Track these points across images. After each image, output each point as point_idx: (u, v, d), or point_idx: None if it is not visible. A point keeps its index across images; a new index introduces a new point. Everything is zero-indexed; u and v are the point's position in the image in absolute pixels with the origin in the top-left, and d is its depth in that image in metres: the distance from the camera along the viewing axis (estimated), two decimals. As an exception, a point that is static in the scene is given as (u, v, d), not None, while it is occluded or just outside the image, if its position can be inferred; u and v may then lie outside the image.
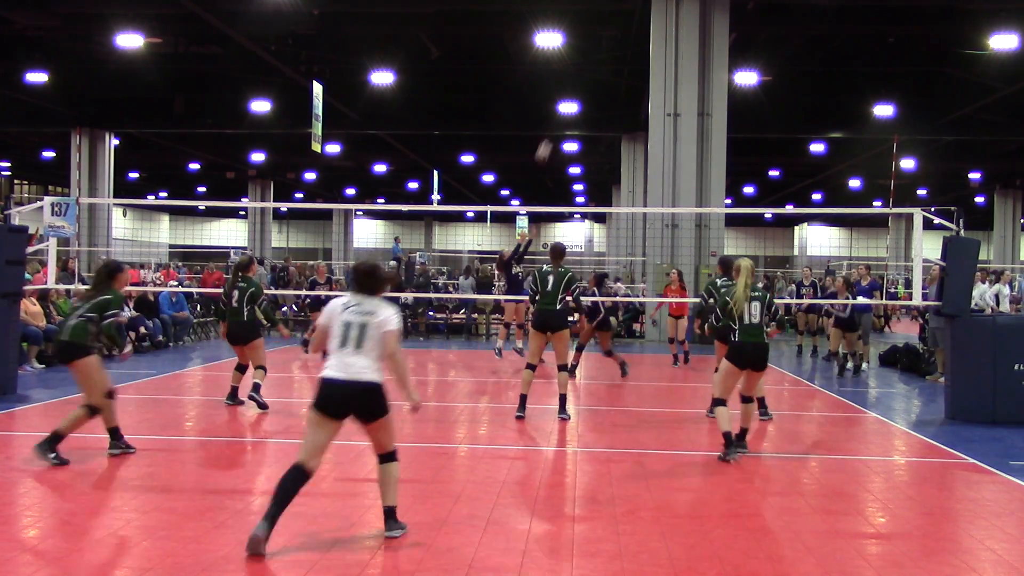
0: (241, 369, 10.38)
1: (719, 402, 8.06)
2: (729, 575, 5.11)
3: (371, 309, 5.47)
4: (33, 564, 5.03)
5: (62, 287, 14.34)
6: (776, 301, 8.57)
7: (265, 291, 10.89)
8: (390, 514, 5.59)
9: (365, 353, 5.39)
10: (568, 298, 9.85)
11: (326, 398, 5.38)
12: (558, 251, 10.16)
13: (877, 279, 17.53)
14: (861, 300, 15.32)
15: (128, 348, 8.29)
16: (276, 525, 5.22)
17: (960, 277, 10.55)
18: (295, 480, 5.33)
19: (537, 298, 9.94)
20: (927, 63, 24.76)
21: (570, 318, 11.23)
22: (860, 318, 15.92)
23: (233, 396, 10.35)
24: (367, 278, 5.55)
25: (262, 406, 9.86)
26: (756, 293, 8.08)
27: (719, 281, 10.37)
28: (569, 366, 11.88)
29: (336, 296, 6.05)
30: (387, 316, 5.48)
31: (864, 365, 15.95)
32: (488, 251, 44.44)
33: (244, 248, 43.82)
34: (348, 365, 5.37)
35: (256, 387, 9.94)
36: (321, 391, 5.40)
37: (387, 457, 5.58)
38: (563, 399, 9.98)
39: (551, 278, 9.82)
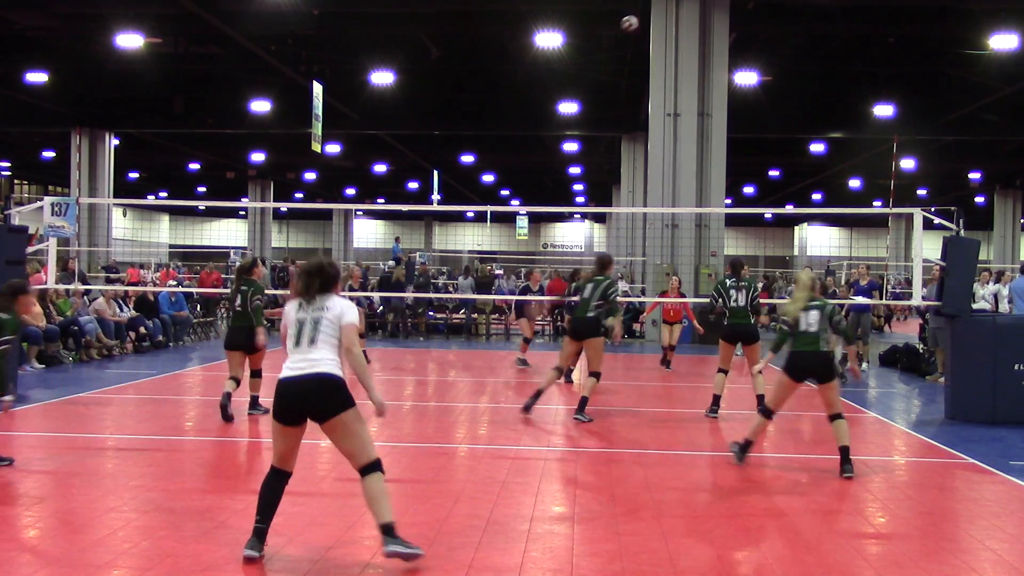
0: (235, 380, 9.49)
1: (766, 412, 7.71)
2: (729, 575, 5.11)
3: (324, 305, 5.17)
4: (33, 564, 5.03)
5: (61, 287, 14.35)
6: (831, 302, 8.12)
7: (266, 291, 10.57)
8: (386, 531, 5.02)
9: (319, 348, 5.08)
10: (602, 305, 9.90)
11: (280, 401, 5.07)
12: (602, 262, 10.28)
13: (876, 279, 17.54)
14: (860, 300, 15.35)
15: (9, 398, 7.18)
16: (280, 526, 5.22)
17: (960, 277, 10.54)
18: (275, 485, 5.18)
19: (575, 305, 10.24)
20: (927, 63, 24.76)
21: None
22: (860, 318, 16.00)
23: (228, 400, 9.36)
24: (311, 278, 5.20)
25: (266, 412, 8.98)
26: (816, 303, 7.72)
27: (728, 281, 10.57)
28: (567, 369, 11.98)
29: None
30: (343, 308, 5.17)
31: (864, 365, 16.00)
32: (488, 251, 44.59)
33: (244, 248, 43.82)
34: (301, 361, 5.07)
35: (254, 400, 9.59)
36: (276, 396, 5.09)
37: (367, 469, 5.09)
38: (583, 401, 9.92)
39: (589, 287, 9.96)
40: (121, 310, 16.34)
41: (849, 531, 6.04)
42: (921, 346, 16.31)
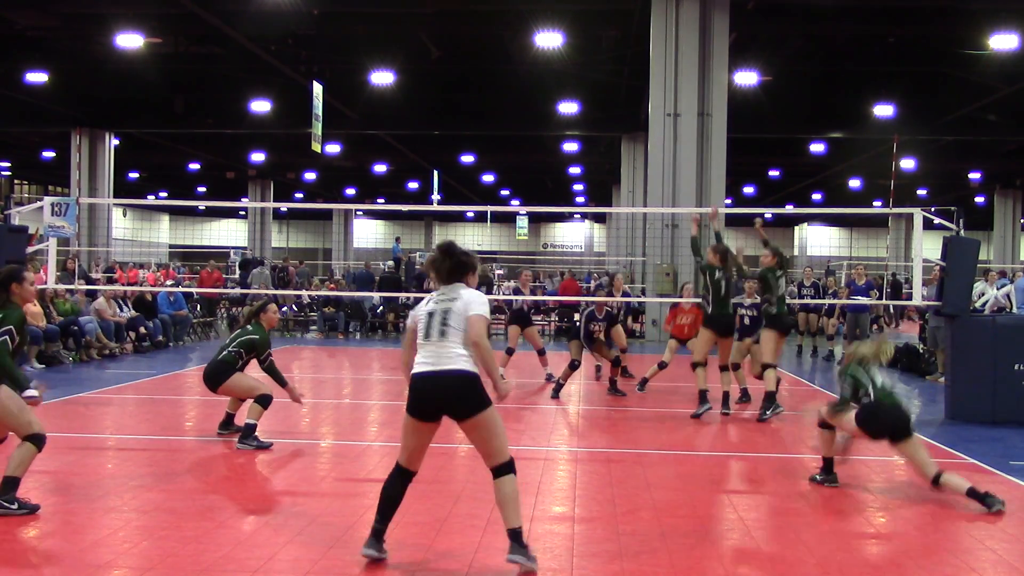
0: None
1: (827, 467, 7.07)
2: (730, 575, 5.11)
3: (454, 296, 5.10)
4: (33, 564, 5.02)
5: (61, 287, 14.35)
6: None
7: (266, 289, 9.88)
8: (513, 536, 4.93)
9: (450, 341, 4.99)
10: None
11: (415, 396, 5.01)
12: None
13: (877, 279, 17.57)
14: (863, 300, 15.39)
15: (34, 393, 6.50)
16: (280, 526, 5.21)
17: (960, 277, 10.54)
18: (399, 484, 5.13)
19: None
20: (927, 63, 24.75)
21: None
22: (858, 318, 16.13)
23: (227, 425, 8.69)
24: (444, 258, 5.14)
25: (262, 446, 8.10)
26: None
27: (778, 272, 10.30)
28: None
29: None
30: (471, 299, 5.05)
31: None
32: (488, 251, 44.58)
33: (244, 248, 43.77)
34: (433, 355, 4.99)
35: (248, 430, 8.11)
36: (410, 390, 5.04)
37: (501, 470, 4.98)
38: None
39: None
40: (121, 310, 16.35)
41: (849, 531, 6.04)
42: (921, 346, 16.30)
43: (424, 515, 6.03)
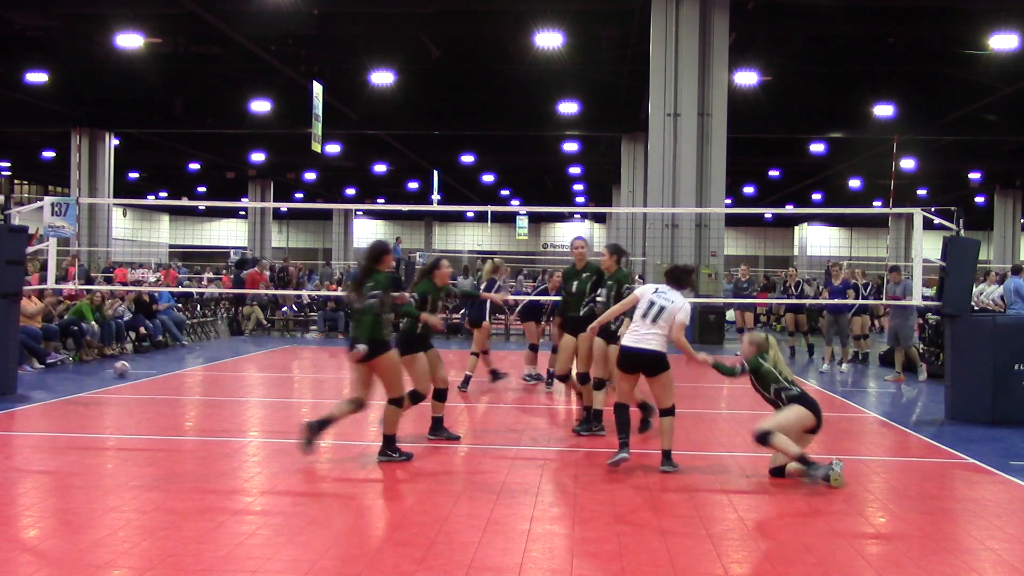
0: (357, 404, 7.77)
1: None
2: (729, 575, 5.11)
3: (672, 299, 7.31)
4: (33, 564, 5.02)
5: (62, 287, 14.34)
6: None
7: (266, 289, 9.61)
8: (665, 454, 7.40)
9: (657, 328, 7.22)
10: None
11: (624, 360, 7.39)
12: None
13: (850, 278, 17.53)
14: (870, 301, 15.36)
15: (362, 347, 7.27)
16: (280, 526, 5.22)
17: (960, 277, 10.54)
18: (624, 411, 7.49)
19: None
20: (927, 63, 24.77)
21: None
22: (837, 319, 16.09)
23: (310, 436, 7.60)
24: (680, 273, 7.52)
25: (403, 457, 7.71)
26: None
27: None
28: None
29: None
30: (681, 306, 7.27)
31: (845, 366, 15.91)
32: (488, 251, 44.67)
33: (244, 248, 43.75)
34: (641, 335, 7.25)
35: (388, 444, 7.68)
36: (620, 355, 7.42)
37: (665, 412, 7.39)
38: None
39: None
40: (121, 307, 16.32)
41: (849, 531, 6.04)
42: (921, 346, 16.30)
43: (424, 515, 6.03)
